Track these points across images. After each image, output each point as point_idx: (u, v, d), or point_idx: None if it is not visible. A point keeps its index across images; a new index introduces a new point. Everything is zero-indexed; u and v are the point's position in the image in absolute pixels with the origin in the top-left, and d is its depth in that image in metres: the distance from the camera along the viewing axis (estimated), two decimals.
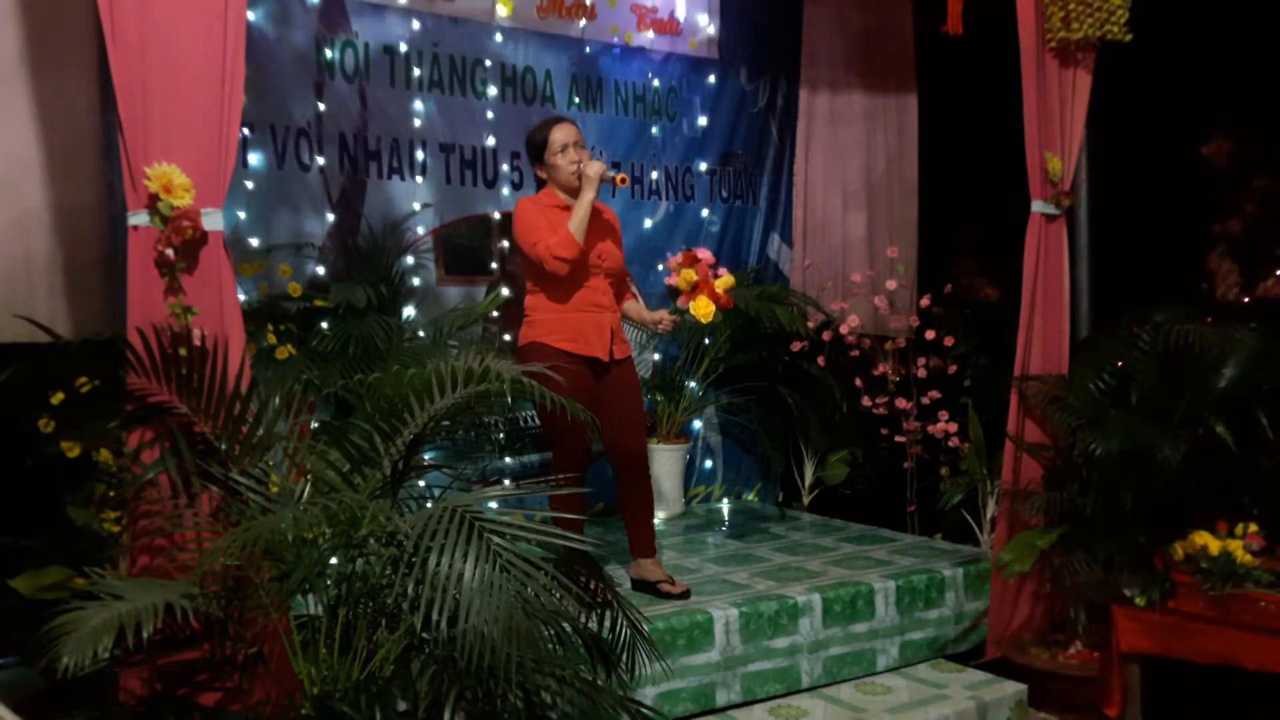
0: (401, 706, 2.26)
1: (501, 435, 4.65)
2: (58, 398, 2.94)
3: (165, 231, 2.55)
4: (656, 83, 5.21)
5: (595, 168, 3.55)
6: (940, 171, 5.40)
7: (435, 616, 2.01)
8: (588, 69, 4.99)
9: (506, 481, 4.60)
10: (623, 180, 3.61)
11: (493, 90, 4.70)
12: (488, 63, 4.69)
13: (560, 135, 3.61)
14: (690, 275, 3.67)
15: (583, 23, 4.89)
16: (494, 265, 4.74)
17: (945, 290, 5.12)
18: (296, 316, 3.77)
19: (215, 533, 2.45)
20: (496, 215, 4.72)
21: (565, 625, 2.46)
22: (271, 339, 3.60)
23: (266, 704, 2.40)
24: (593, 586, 2.60)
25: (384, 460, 2.45)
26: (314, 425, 2.93)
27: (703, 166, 5.38)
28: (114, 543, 2.77)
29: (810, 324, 5.05)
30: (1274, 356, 3.58)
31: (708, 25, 5.30)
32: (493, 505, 3.01)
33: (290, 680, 2.41)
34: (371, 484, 2.42)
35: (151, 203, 2.55)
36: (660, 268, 5.04)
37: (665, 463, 4.93)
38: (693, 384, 5.12)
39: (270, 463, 2.55)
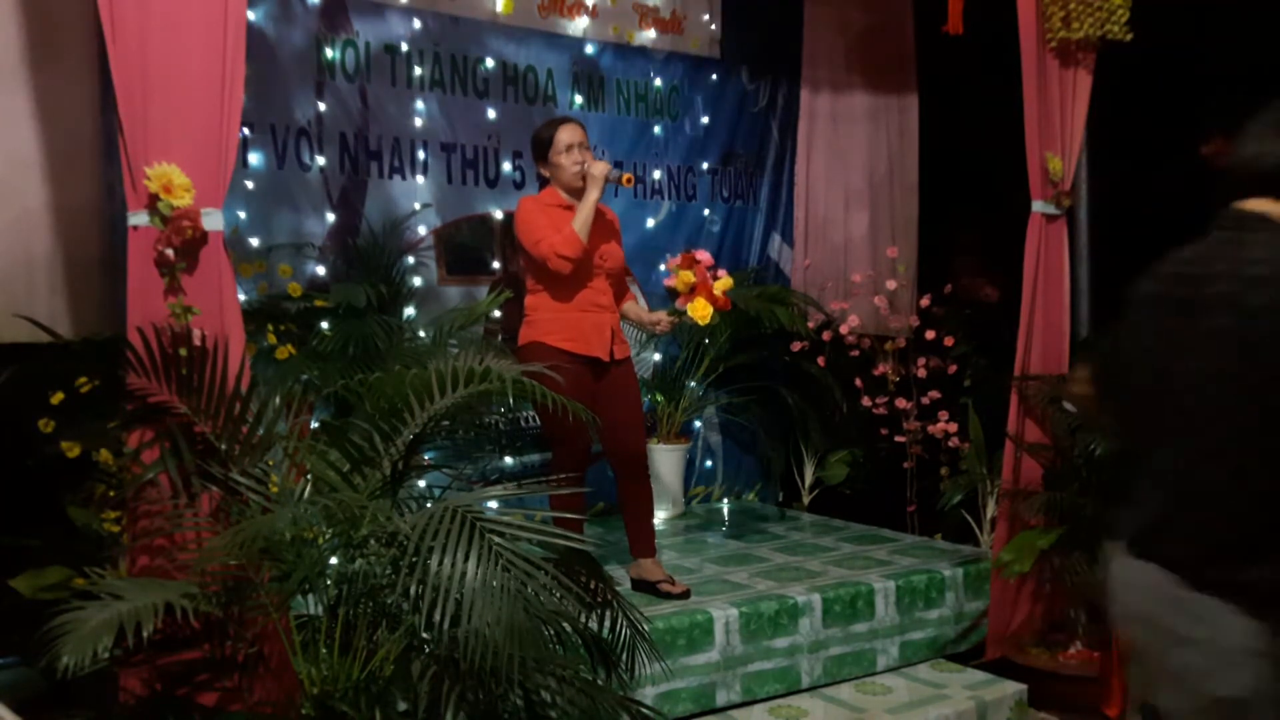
0: (401, 706, 2.27)
1: (502, 435, 4.64)
2: (58, 398, 2.94)
3: (165, 231, 2.55)
4: (658, 82, 5.20)
5: (600, 167, 3.55)
6: (941, 171, 5.40)
7: (436, 616, 2.01)
8: (589, 68, 4.99)
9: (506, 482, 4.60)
10: (628, 180, 3.61)
11: (494, 89, 4.70)
12: (489, 62, 4.69)
13: (565, 135, 3.62)
14: (688, 277, 3.67)
15: (584, 21, 4.89)
16: (496, 265, 4.74)
17: (945, 290, 5.11)
18: (296, 316, 3.76)
19: (215, 533, 2.45)
20: (498, 215, 4.72)
21: (565, 625, 2.47)
22: (271, 339, 3.60)
23: (266, 704, 2.40)
24: (593, 586, 2.61)
25: (384, 460, 2.46)
26: (314, 425, 2.93)
27: (704, 166, 5.38)
28: (114, 543, 2.76)
29: (810, 324, 5.05)
30: None
31: (709, 24, 5.30)
32: (493, 505, 3.01)
33: (290, 680, 2.41)
34: (371, 484, 2.42)
35: (151, 203, 2.54)
36: (662, 268, 5.04)
37: (665, 463, 4.93)
38: (693, 384, 5.12)
39: (270, 463, 2.55)
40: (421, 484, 3.54)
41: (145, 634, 2.05)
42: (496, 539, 2.10)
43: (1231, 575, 1.68)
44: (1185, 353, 1.75)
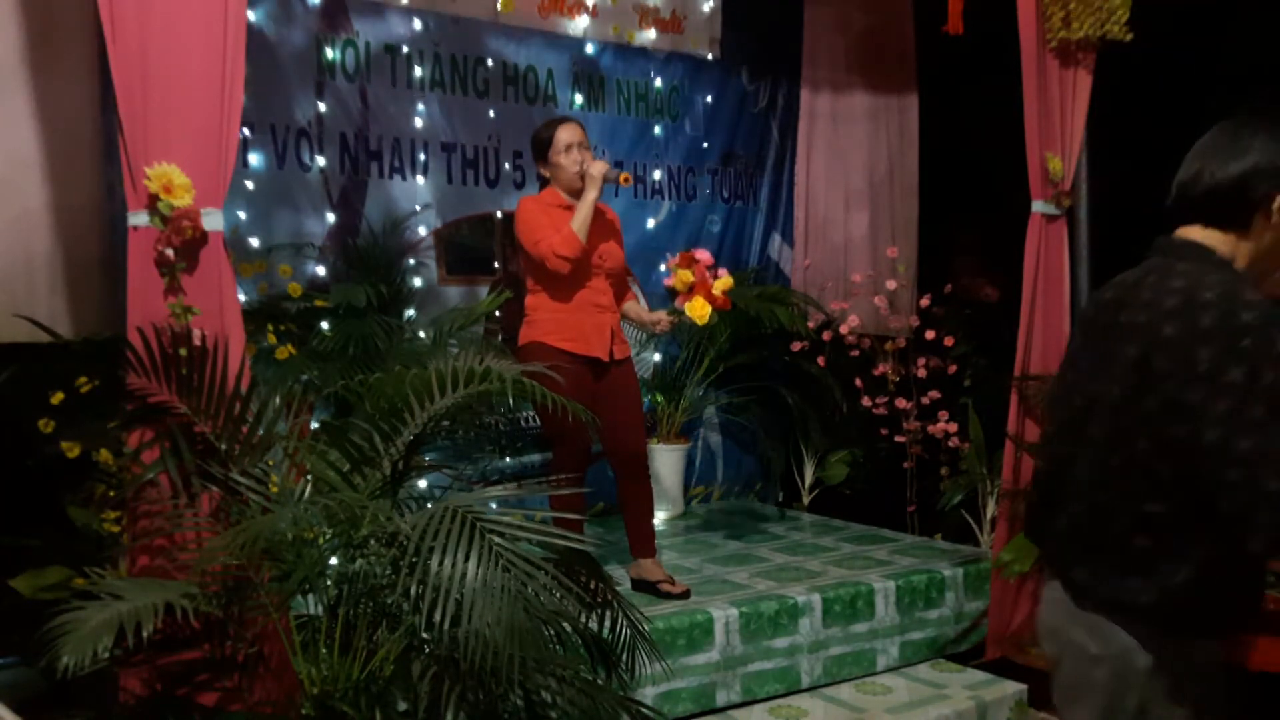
0: (401, 706, 2.27)
1: (502, 435, 4.64)
2: (58, 398, 2.94)
3: (165, 231, 2.55)
4: (658, 82, 5.20)
5: (599, 167, 3.56)
6: (941, 171, 5.39)
7: (436, 616, 2.01)
8: (589, 68, 4.99)
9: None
10: (626, 179, 3.62)
11: (494, 89, 4.70)
12: (489, 62, 4.69)
13: (565, 135, 3.62)
14: (687, 276, 3.67)
15: (584, 21, 4.89)
16: (496, 265, 4.74)
17: (945, 290, 5.11)
18: (296, 316, 3.77)
19: (215, 533, 2.45)
20: (499, 215, 4.72)
21: (565, 625, 2.47)
22: (271, 339, 3.60)
23: (266, 704, 2.40)
24: (593, 586, 2.61)
25: (384, 460, 2.46)
26: (314, 425, 2.93)
27: (704, 166, 5.38)
28: (114, 543, 2.76)
29: (810, 324, 5.05)
30: None
31: (709, 24, 5.29)
32: (493, 505, 3.01)
33: (290, 680, 2.41)
34: (371, 484, 2.42)
35: (151, 203, 2.54)
36: (662, 268, 5.04)
37: (665, 462, 4.93)
38: (693, 384, 5.12)
39: (270, 463, 2.55)
40: (422, 484, 3.55)
41: (145, 634, 2.05)
42: (496, 539, 2.10)
43: (1115, 595, 1.73)
44: (1104, 378, 1.76)
